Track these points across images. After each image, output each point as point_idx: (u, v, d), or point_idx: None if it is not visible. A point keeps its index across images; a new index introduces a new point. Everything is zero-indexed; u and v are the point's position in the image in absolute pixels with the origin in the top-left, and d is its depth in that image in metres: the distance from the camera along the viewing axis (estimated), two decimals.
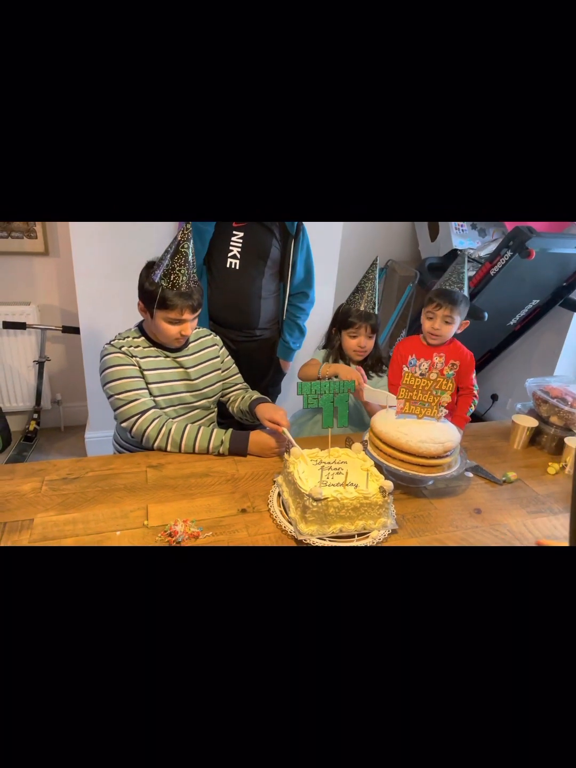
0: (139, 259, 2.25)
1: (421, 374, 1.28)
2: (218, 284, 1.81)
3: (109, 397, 1.39)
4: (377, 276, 1.64)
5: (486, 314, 2.29)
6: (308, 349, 2.10)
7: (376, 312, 1.63)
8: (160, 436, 1.36)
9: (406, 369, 1.29)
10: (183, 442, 1.37)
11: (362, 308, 1.61)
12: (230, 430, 1.40)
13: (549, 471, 1.46)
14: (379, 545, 1.10)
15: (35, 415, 2.62)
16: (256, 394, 1.57)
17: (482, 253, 2.55)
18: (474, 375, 1.67)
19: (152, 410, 1.38)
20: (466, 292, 1.60)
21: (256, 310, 1.86)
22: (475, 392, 1.67)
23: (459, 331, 1.63)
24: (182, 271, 1.30)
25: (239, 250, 1.75)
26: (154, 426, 1.36)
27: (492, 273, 2.29)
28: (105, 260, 2.20)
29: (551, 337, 2.74)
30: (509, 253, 2.19)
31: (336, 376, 1.56)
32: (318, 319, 2.55)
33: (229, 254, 1.76)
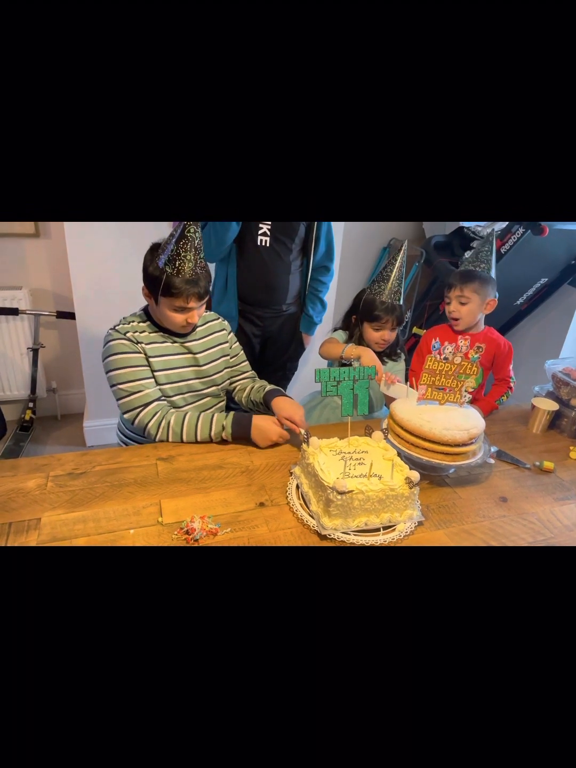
0: (134, 240, 2.17)
1: (444, 359, 1.22)
2: (249, 263, 1.81)
3: (113, 386, 1.31)
4: (403, 263, 1.53)
5: (496, 294, 2.22)
6: (326, 322, 2.09)
7: (401, 302, 1.55)
8: (160, 430, 1.30)
9: (429, 354, 1.23)
10: (184, 432, 1.31)
11: (386, 299, 1.52)
12: (231, 414, 1.34)
13: (571, 455, 1.42)
14: (406, 540, 1.05)
15: (31, 404, 2.53)
16: (268, 385, 1.50)
17: (490, 230, 2.47)
18: (512, 366, 1.63)
19: (156, 403, 1.31)
20: (492, 273, 1.53)
21: (284, 286, 1.87)
22: (512, 384, 1.62)
23: (487, 311, 1.57)
24: (188, 257, 1.22)
25: (269, 227, 1.75)
26: (155, 420, 1.30)
27: (502, 251, 2.22)
28: (99, 242, 2.09)
29: (558, 316, 2.68)
30: (521, 230, 2.11)
31: (359, 359, 1.50)
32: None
33: (260, 232, 1.76)
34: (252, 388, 1.51)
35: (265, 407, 1.43)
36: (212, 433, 1.31)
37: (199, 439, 1.31)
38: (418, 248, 2.64)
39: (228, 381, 1.53)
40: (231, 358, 1.52)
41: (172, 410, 1.34)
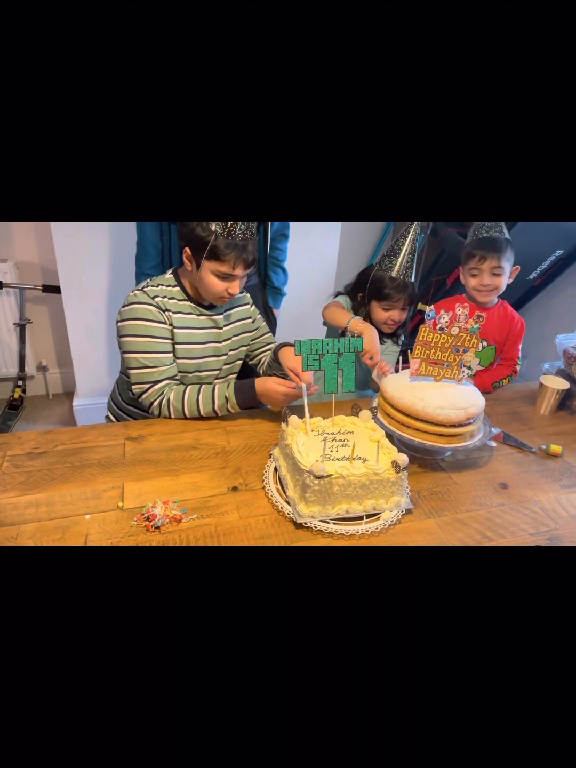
0: None
1: (440, 329, 1.10)
2: None
3: (127, 352, 1.21)
4: (416, 237, 1.39)
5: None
6: (291, 293, 1.93)
7: (414, 280, 1.42)
8: (162, 408, 1.22)
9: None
10: (185, 407, 1.22)
11: (397, 276, 1.39)
12: (232, 382, 1.25)
13: None
14: (392, 530, 0.95)
15: (20, 383, 2.46)
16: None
17: None
18: (520, 347, 1.51)
19: (166, 382, 1.22)
20: (507, 235, 1.39)
21: None
22: (517, 368, 1.51)
23: (510, 281, 1.45)
24: (241, 219, 1.12)
25: None
26: (157, 402, 1.22)
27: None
28: None
29: (573, 292, 2.52)
30: None
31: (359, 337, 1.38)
32: (320, 269, 2.35)
33: None
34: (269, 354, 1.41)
35: (275, 363, 1.32)
36: (216, 406, 1.23)
37: (202, 413, 1.23)
38: None
39: (243, 360, 1.43)
40: (253, 331, 1.42)
41: (172, 385, 1.25)
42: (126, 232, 2.08)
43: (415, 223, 1.37)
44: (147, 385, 1.21)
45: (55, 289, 2.22)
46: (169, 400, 1.22)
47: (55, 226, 1.99)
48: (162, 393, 1.22)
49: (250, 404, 1.24)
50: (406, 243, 1.38)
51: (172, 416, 1.23)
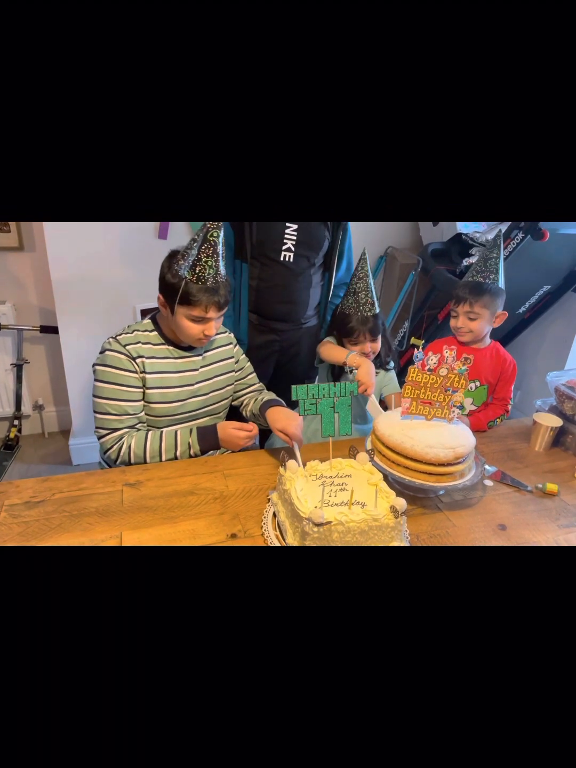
0: (117, 252, 2.10)
1: (429, 370, 1.12)
2: (269, 277, 1.70)
3: (93, 395, 1.25)
4: (370, 273, 1.51)
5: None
6: None
7: (376, 311, 1.50)
8: (120, 455, 1.23)
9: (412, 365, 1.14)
10: (147, 453, 1.23)
11: (356, 312, 1.49)
12: (194, 429, 1.27)
13: None
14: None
15: (16, 422, 2.45)
16: (269, 395, 1.42)
17: (489, 237, 2.37)
18: (513, 387, 1.55)
19: (125, 430, 1.24)
20: (501, 283, 1.44)
21: (305, 300, 1.78)
22: (508, 408, 1.54)
23: (496, 325, 1.49)
24: (209, 264, 1.15)
25: (294, 243, 1.65)
26: (115, 447, 1.23)
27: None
28: (81, 254, 2.03)
29: (563, 325, 2.58)
30: (521, 235, 2.02)
31: (355, 370, 1.44)
32: None
33: (284, 247, 1.65)
34: (255, 401, 1.42)
35: (262, 418, 1.34)
36: (178, 452, 1.25)
37: (164, 459, 1.24)
38: (414, 256, 2.55)
39: (228, 400, 1.44)
40: (236, 372, 1.44)
41: (132, 432, 1.26)
42: (123, 272, 2.14)
43: (365, 259, 1.50)
44: (106, 431, 1.23)
45: (53, 330, 2.25)
46: (130, 446, 1.22)
47: (54, 267, 2.03)
48: (120, 440, 1.23)
49: (211, 448, 1.28)
50: (359, 280, 1.51)
51: (132, 462, 1.24)
